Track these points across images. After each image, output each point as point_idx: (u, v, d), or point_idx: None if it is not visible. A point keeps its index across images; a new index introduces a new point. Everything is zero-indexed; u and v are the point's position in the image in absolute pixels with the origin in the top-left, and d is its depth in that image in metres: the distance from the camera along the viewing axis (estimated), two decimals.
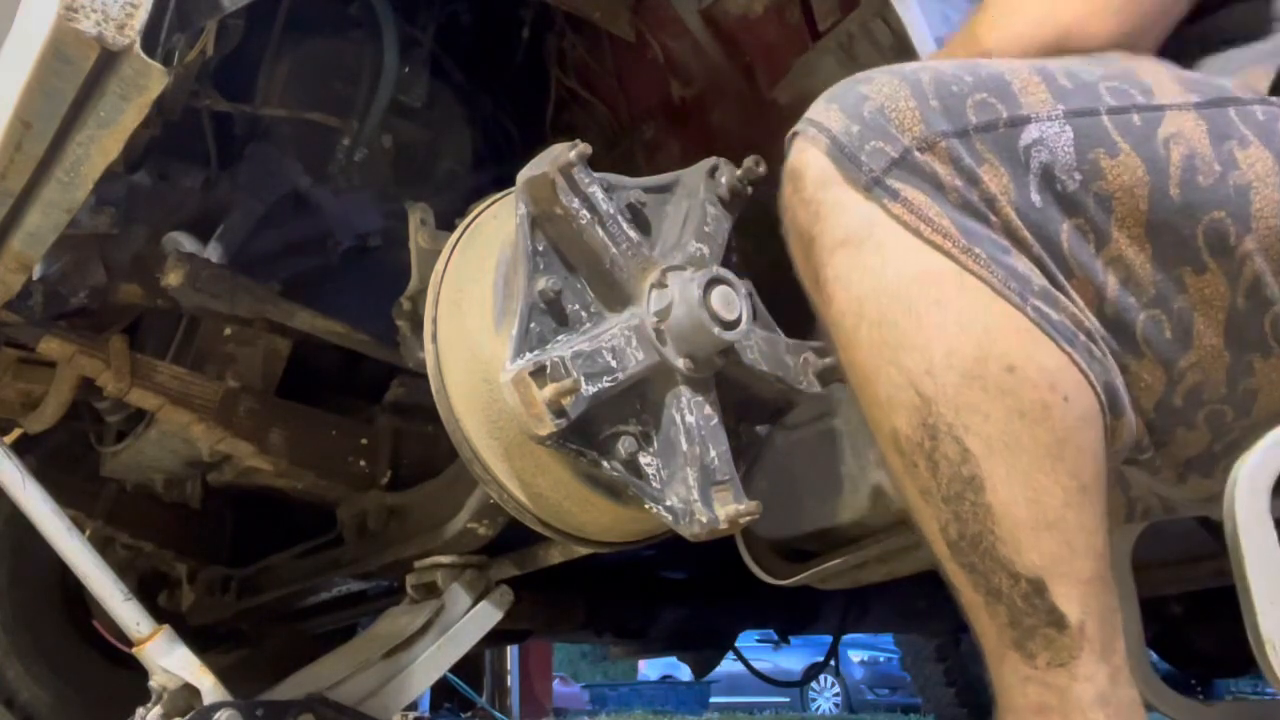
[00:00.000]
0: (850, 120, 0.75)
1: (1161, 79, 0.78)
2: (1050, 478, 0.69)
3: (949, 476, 0.70)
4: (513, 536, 1.62)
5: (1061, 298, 0.72)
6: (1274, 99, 0.77)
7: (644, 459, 1.14)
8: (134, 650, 1.50)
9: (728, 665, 3.76)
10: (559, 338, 1.12)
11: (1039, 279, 0.72)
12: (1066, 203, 0.74)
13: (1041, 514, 0.69)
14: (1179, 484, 0.88)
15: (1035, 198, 0.73)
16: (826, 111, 0.77)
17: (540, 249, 1.13)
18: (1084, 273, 0.74)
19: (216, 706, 1.44)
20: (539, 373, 1.07)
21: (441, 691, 5.23)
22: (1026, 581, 0.69)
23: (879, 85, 0.76)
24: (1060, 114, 0.74)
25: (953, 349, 0.69)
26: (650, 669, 14.02)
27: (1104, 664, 0.70)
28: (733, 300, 1.15)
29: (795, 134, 0.79)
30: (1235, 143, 0.75)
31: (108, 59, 0.99)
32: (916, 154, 0.73)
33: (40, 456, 1.98)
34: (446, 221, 1.36)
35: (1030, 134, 0.73)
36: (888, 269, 0.72)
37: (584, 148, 1.11)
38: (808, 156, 0.76)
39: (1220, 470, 0.84)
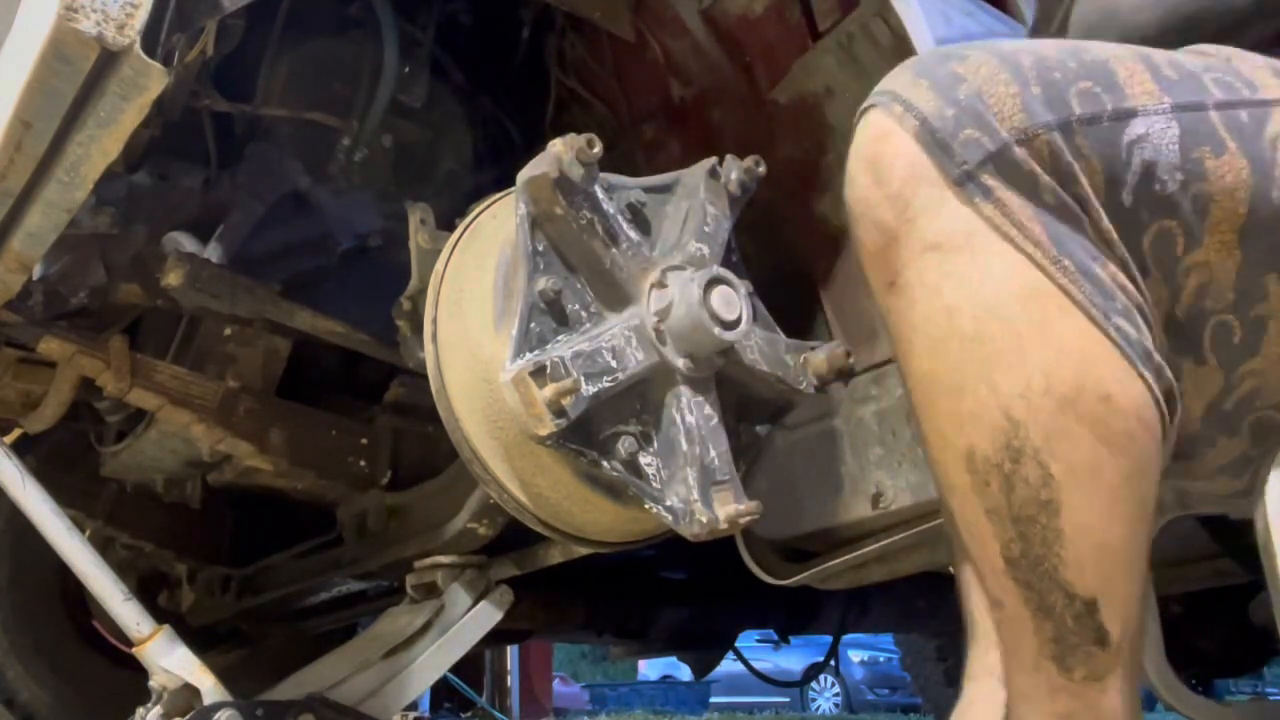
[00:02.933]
0: (944, 102, 0.69)
1: (1261, 72, 0.74)
2: (1123, 505, 0.69)
3: (1024, 499, 0.68)
4: (513, 536, 1.62)
5: (1137, 316, 0.70)
6: None
7: (644, 459, 1.14)
8: (134, 650, 1.50)
9: (728, 665, 3.76)
10: (559, 338, 1.12)
11: (1122, 296, 0.69)
12: (1161, 204, 0.70)
13: (1108, 539, 0.69)
14: (1205, 481, 0.88)
15: (1126, 198, 0.70)
16: (915, 87, 0.70)
17: (540, 249, 1.13)
18: (1162, 273, 0.72)
19: (216, 706, 1.44)
20: (539, 373, 1.07)
21: (441, 691, 5.24)
22: (1081, 602, 0.69)
23: (975, 65, 0.70)
24: (1167, 107, 0.70)
25: (1053, 374, 0.67)
26: (650, 669, 14.02)
27: (1130, 677, 0.71)
28: (733, 300, 1.15)
29: (873, 107, 0.72)
30: None
31: (108, 59, 0.99)
32: (1015, 149, 0.68)
33: (40, 456, 1.98)
34: (446, 221, 1.36)
35: (1135, 129, 0.69)
36: (986, 282, 0.68)
37: (587, 148, 1.11)
38: (895, 143, 0.70)
39: (1249, 471, 0.83)
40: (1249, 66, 0.75)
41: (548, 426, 1.06)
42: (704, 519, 1.10)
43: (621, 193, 1.18)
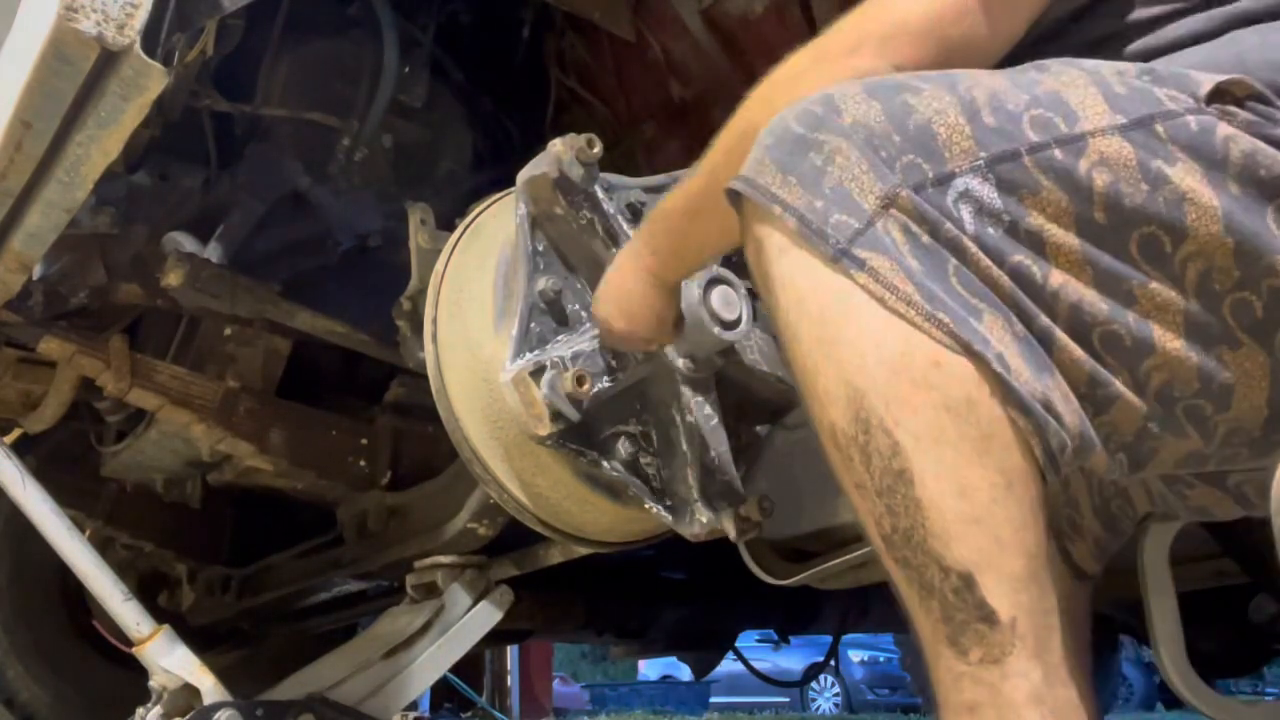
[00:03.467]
0: (813, 196, 0.74)
1: (1089, 100, 0.77)
2: (977, 472, 0.70)
3: (881, 470, 0.71)
4: (513, 536, 1.62)
5: (986, 310, 0.73)
6: (1209, 108, 0.75)
7: (644, 459, 1.14)
8: (134, 650, 1.50)
9: (728, 665, 3.76)
10: (559, 338, 1.12)
11: (966, 296, 0.73)
12: (1011, 237, 0.74)
13: (969, 508, 0.70)
14: (1220, 494, 0.89)
15: (991, 231, 0.74)
16: (785, 186, 0.76)
17: (540, 249, 1.13)
18: (1044, 307, 0.74)
19: (216, 706, 1.44)
20: (539, 373, 1.07)
21: (441, 691, 5.23)
22: (956, 575, 0.70)
23: (835, 145, 0.75)
24: (982, 164, 0.74)
25: (881, 343, 0.71)
26: (650, 669, 14.02)
27: (1038, 662, 0.70)
28: (733, 300, 1.14)
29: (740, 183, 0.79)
30: (1162, 161, 0.74)
31: (108, 59, 0.99)
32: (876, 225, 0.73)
33: (40, 456, 1.98)
34: (446, 221, 1.36)
35: (956, 188, 0.74)
36: (823, 272, 0.73)
37: (587, 148, 1.11)
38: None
39: (1236, 474, 0.86)
40: (1079, 89, 0.76)
41: (547, 426, 1.06)
42: (704, 519, 1.10)
43: (621, 193, 1.18)
